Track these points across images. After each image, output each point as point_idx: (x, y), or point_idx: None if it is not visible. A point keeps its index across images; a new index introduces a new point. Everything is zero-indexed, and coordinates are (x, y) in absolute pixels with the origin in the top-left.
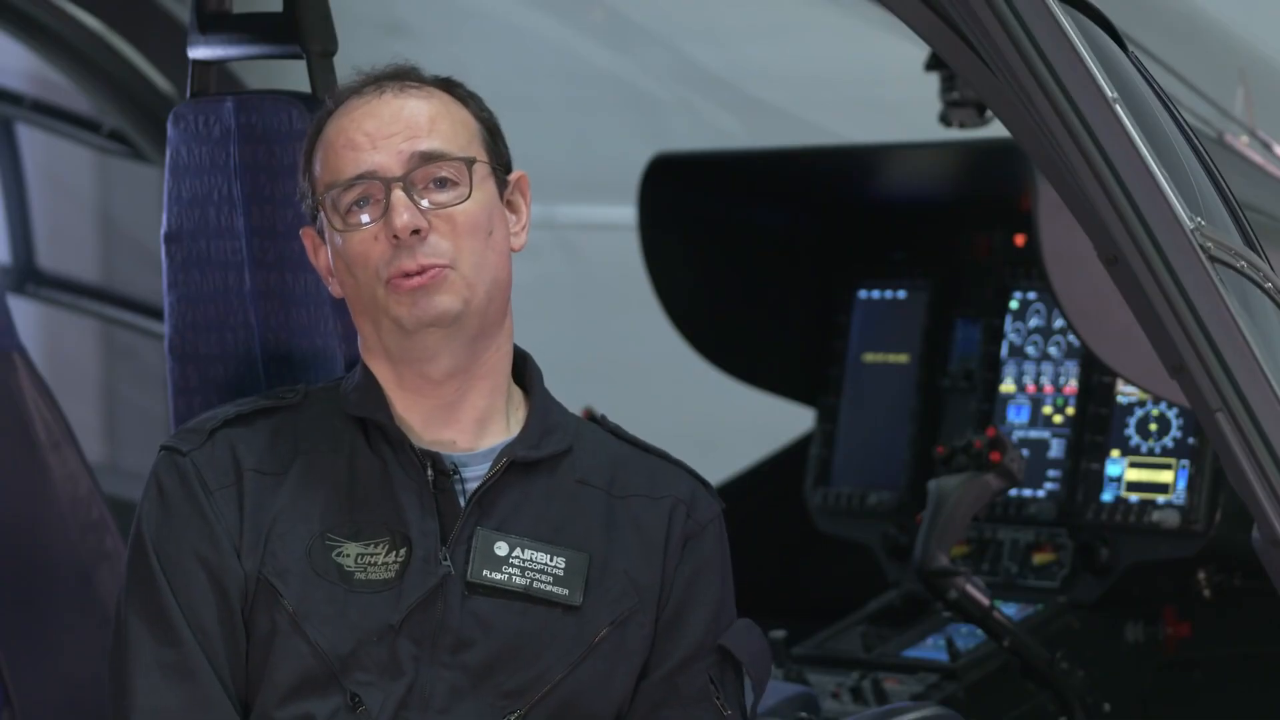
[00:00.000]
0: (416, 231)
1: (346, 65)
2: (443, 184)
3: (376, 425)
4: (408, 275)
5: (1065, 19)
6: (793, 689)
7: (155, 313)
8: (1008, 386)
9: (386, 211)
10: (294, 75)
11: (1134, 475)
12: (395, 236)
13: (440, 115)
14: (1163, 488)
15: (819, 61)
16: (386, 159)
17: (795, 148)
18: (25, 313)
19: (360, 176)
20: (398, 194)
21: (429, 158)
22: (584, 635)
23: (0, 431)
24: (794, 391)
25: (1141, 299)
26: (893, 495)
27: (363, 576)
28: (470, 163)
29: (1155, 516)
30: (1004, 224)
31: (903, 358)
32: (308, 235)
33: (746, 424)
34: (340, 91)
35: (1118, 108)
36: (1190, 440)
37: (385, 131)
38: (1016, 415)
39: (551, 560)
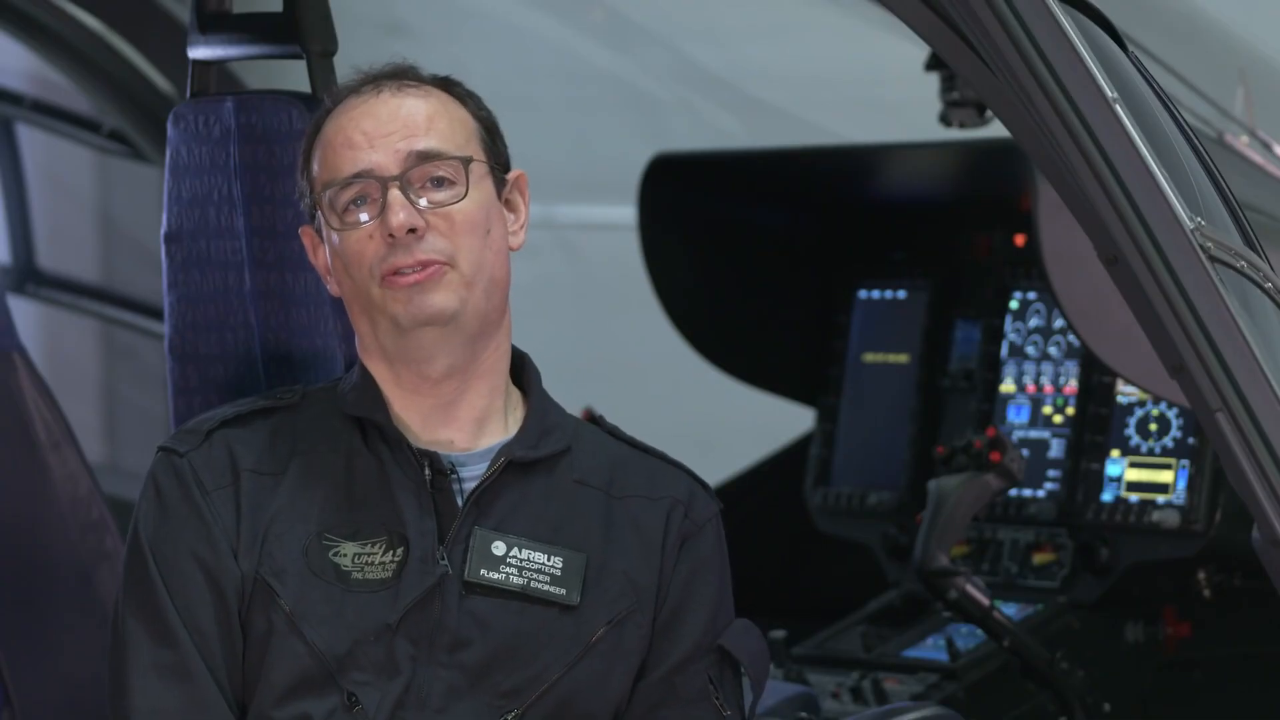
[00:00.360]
0: (413, 230)
1: (346, 65)
2: (440, 183)
3: (374, 425)
4: (401, 272)
5: (1065, 19)
6: (793, 689)
7: (155, 313)
8: (1008, 386)
9: (383, 210)
10: (294, 75)
11: (1134, 475)
12: (391, 235)
13: (438, 114)
14: (1163, 488)
15: (819, 61)
16: (384, 158)
17: (795, 148)
18: (25, 313)
19: (357, 175)
20: (394, 193)
21: (426, 157)
22: (581, 635)
23: (0, 431)
24: (794, 391)
25: (1141, 299)
26: (893, 495)
27: (360, 576)
28: (467, 161)
29: (1155, 516)
30: (1004, 224)
31: (903, 358)
32: (306, 234)
33: (746, 424)
34: (338, 91)
35: (1118, 108)
36: (1190, 440)
37: (383, 130)
38: (1016, 415)
39: (549, 560)
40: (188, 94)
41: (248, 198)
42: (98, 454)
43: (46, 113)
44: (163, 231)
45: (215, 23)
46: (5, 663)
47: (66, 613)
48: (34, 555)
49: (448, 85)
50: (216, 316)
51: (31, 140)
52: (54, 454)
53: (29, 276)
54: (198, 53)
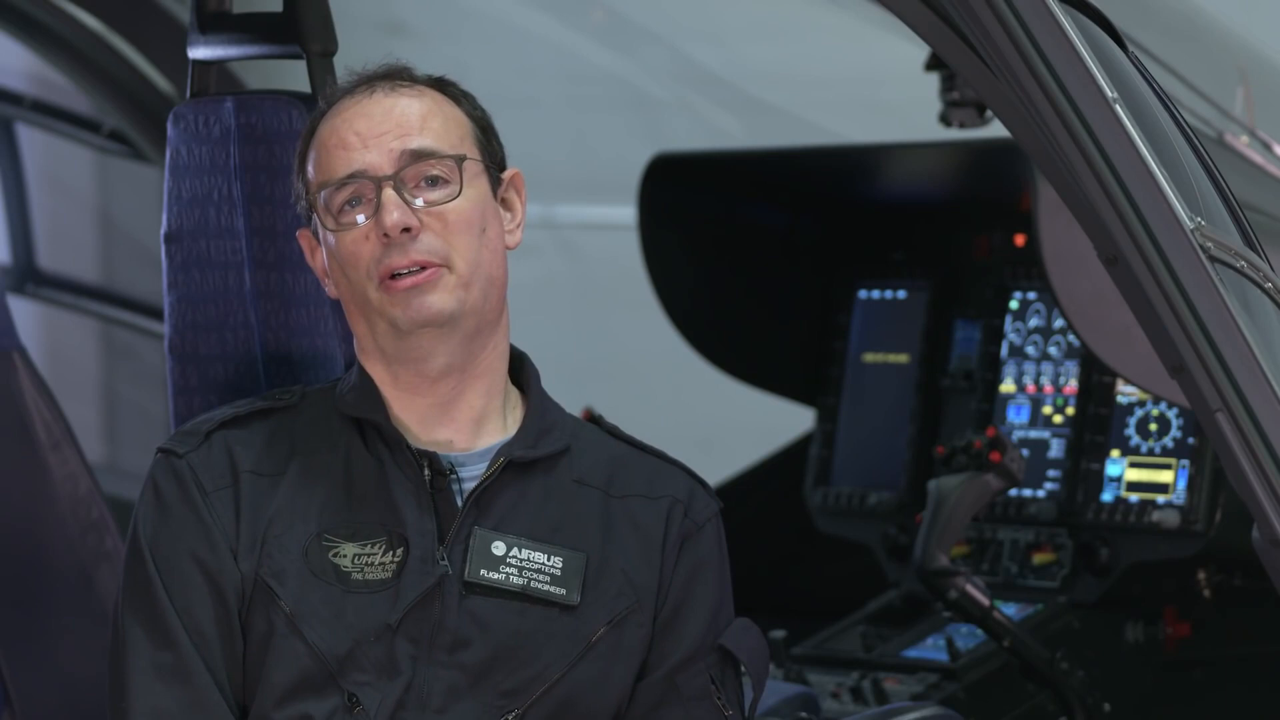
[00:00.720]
0: (408, 230)
1: (346, 65)
2: (434, 182)
3: (373, 425)
4: (397, 274)
5: (1065, 19)
6: (793, 689)
7: (155, 313)
8: (1008, 386)
9: (378, 210)
10: (294, 75)
11: (1134, 475)
12: (386, 235)
13: (431, 113)
14: (1163, 488)
15: (819, 61)
16: (377, 158)
17: (795, 148)
18: (25, 313)
19: (351, 176)
20: (388, 193)
21: (420, 156)
22: (581, 634)
23: (0, 431)
24: (794, 391)
25: (1141, 299)
26: (893, 495)
27: (360, 577)
28: (461, 160)
29: (1155, 516)
30: (1004, 224)
31: (903, 358)
32: (303, 237)
33: (746, 424)
34: (333, 92)
35: (1118, 108)
36: (1190, 440)
37: (376, 130)
38: (1016, 415)
39: (549, 560)
40: (188, 94)
41: (248, 198)
42: (98, 454)
43: (46, 113)
44: (163, 231)
45: (215, 23)
46: (5, 663)
47: (66, 613)
48: (34, 555)
49: (441, 85)
50: (216, 316)
51: (31, 140)
52: (54, 454)
53: (29, 276)
54: (198, 53)
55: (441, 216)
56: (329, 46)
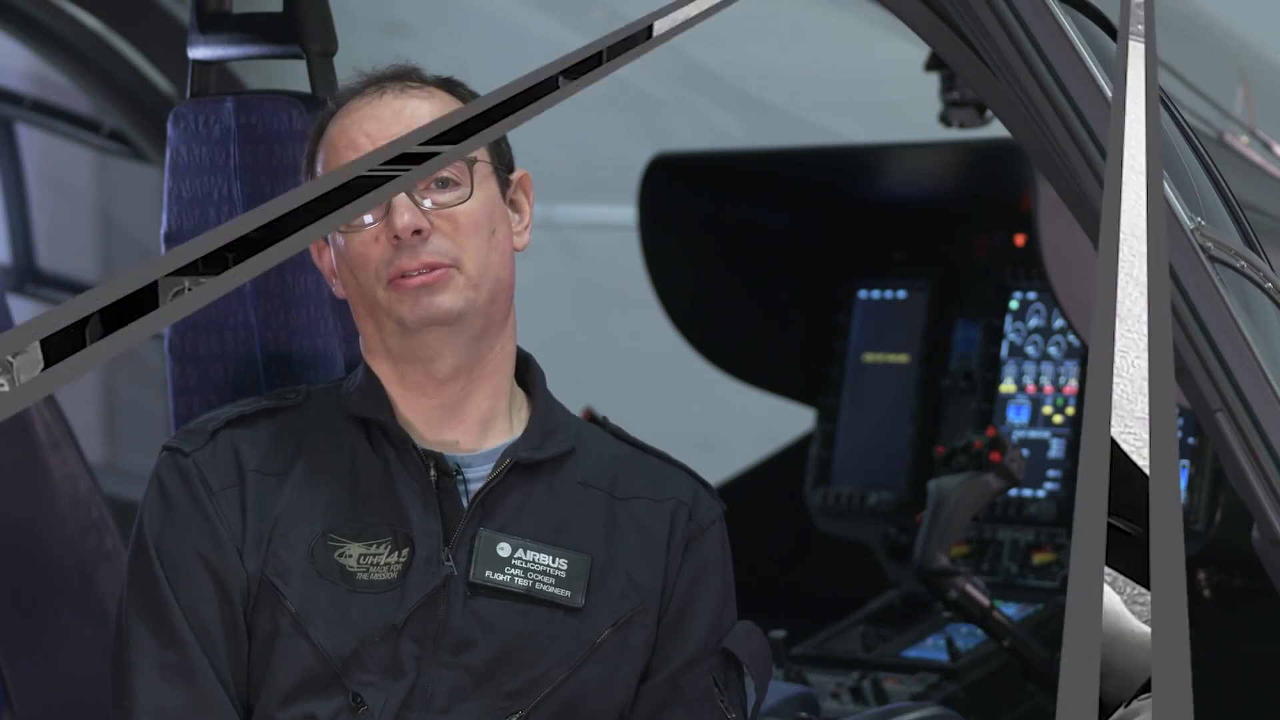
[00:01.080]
0: (418, 232)
1: (346, 65)
2: (444, 184)
3: (379, 425)
4: (406, 275)
5: (1065, 19)
6: (793, 689)
7: None
8: (1008, 386)
9: (388, 213)
10: (294, 75)
11: None
12: (396, 237)
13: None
14: None
15: (819, 61)
16: None
17: (795, 148)
18: (25, 313)
19: None
20: (398, 195)
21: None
22: (586, 636)
23: (0, 431)
24: (794, 391)
25: None
26: (893, 495)
27: (365, 577)
28: (471, 162)
29: None
30: (1004, 224)
31: (903, 358)
32: None
33: (746, 424)
34: (342, 93)
35: None
36: (1190, 440)
37: (386, 132)
38: (1016, 415)
39: (554, 562)
40: (188, 94)
41: (248, 198)
42: (98, 454)
43: (46, 113)
44: (163, 231)
45: (215, 23)
46: (5, 663)
47: (66, 613)
48: (34, 555)
49: (450, 86)
50: (216, 316)
51: (31, 140)
52: (54, 454)
53: (29, 276)
54: (198, 53)
55: (452, 218)
56: (329, 46)
